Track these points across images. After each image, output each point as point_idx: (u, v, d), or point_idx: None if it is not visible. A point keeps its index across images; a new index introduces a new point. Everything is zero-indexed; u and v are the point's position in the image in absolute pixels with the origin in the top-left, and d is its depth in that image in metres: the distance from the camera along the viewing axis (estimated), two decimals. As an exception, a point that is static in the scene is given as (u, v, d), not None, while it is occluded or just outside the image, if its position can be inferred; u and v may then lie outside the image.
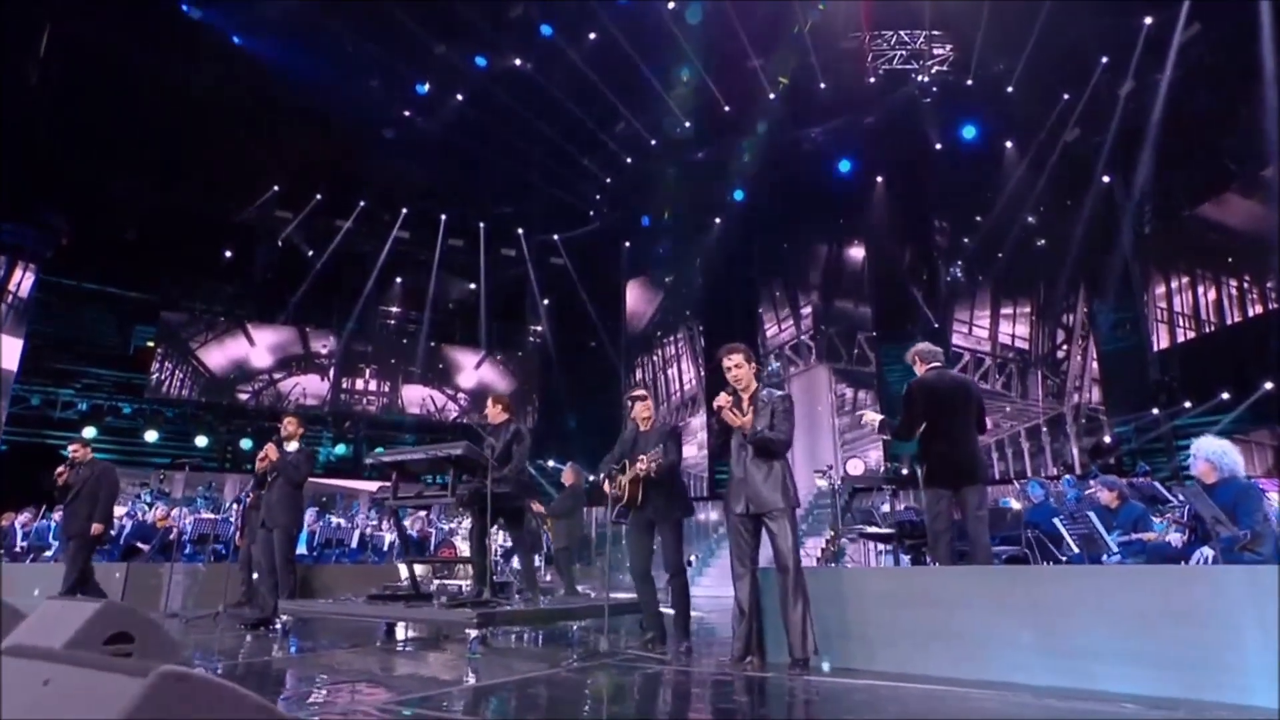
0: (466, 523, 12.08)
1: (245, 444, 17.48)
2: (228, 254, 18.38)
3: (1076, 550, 6.34)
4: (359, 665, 4.59)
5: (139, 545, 10.11)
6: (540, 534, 10.34)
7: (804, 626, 3.98)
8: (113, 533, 9.57)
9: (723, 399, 4.43)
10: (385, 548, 12.94)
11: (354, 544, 12.04)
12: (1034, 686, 3.44)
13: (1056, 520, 6.54)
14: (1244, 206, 12.65)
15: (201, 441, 17.02)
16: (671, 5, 14.44)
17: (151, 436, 16.61)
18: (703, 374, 20.43)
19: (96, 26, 15.00)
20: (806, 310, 19.19)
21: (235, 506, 10.80)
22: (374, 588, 9.40)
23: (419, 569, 11.56)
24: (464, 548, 11.15)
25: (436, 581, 8.13)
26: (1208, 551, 5.48)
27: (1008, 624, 3.68)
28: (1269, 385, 12.41)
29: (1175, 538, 6.29)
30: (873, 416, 5.28)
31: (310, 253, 18.83)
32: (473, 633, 4.56)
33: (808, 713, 3.17)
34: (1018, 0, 13.47)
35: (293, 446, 6.99)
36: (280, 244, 18.72)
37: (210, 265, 18.19)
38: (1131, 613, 3.37)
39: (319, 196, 18.75)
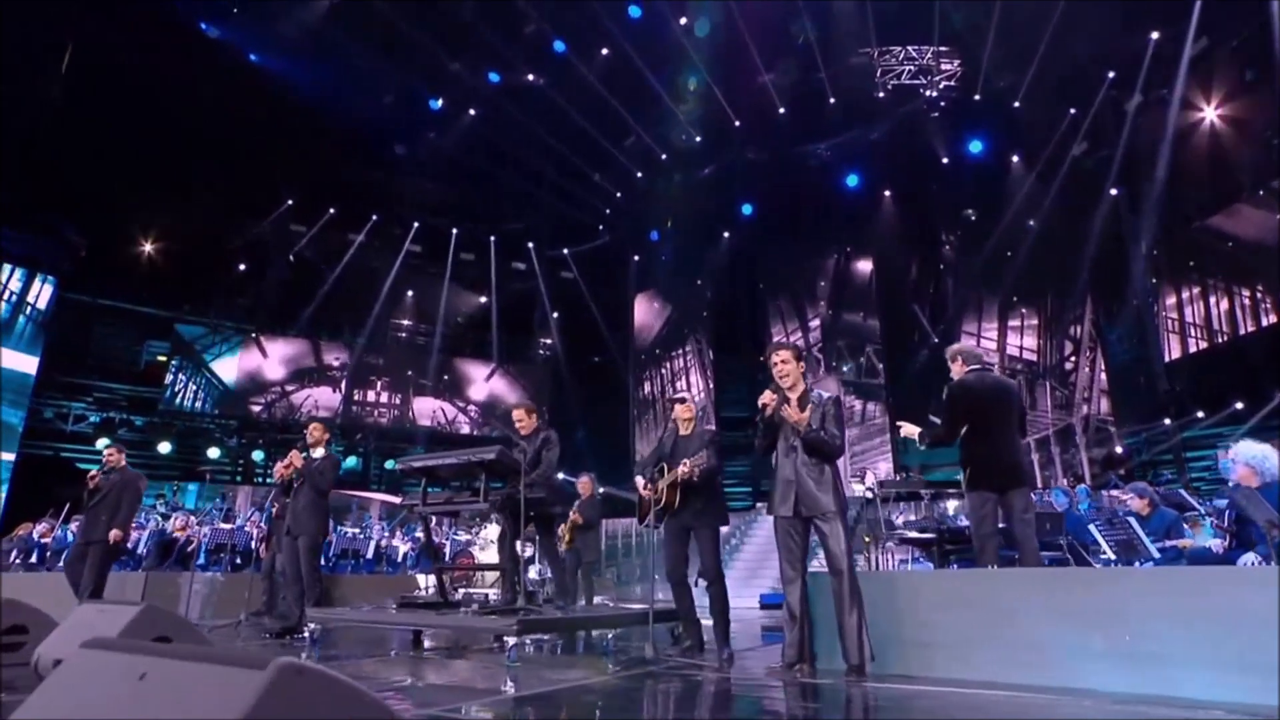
0: (484, 532, 11.90)
1: (257, 455, 17.32)
2: (241, 267, 18.28)
3: (1113, 556, 6.16)
4: (396, 674, 4.41)
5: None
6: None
7: (860, 632, 3.80)
8: (129, 545, 9.40)
9: (767, 396, 4.28)
10: (399, 559, 12.74)
11: (369, 555, 11.83)
12: (1108, 692, 3.26)
13: (1092, 526, 6.36)
14: (1255, 216, 12.56)
15: (214, 453, 16.83)
16: (683, 21, 14.44)
17: (164, 448, 16.42)
18: (711, 386, 20.30)
19: (117, 46, 15.03)
20: (815, 322, 19.07)
21: (256, 515, 10.65)
22: (390, 597, 9.20)
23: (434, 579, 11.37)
24: (482, 557, 10.95)
25: (461, 590, 7.93)
26: (1252, 556, 5.32)
27: (1074, 627, 3.51)
28: (1283, 394, 12.27)
29: (1215, 543, 6.12)
30: (911, 429, 5.12)
31: (323, 266, 18.74)
32: (511, 640, 4.37)
33: (881, 717, 2.98)
34: (1024, 18, 13.49)
35: (319, 453, 6.81)
36: (293, 258, 18.63)
37: (225, 278, 18.08)
38: (1206, 615, 3.21)
39: (332, 210, 18.68)
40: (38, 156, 14.23)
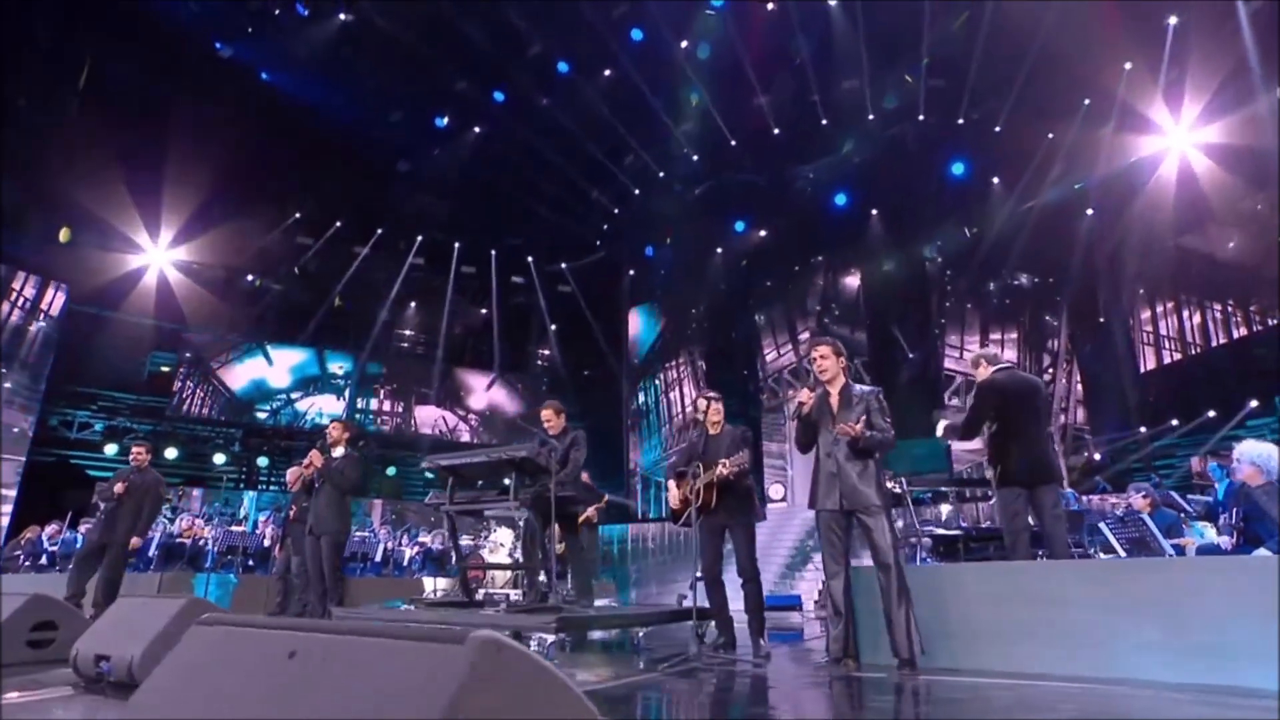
0: (493, 536, 11.58)
1: (262, 462, 16.89)
2: (249, 277, 17.92)
3: (1123, 554, 6.04)
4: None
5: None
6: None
7: (909, 625, 3.63)
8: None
9: (805, 395, 4.13)
10: (405, 562, 12.41)
11: (378, 558, 11.50)
12: (1165, 683, 3.11)
13: (1102, 524, 6.24)
14: (1225, 234, 12.68)
15: (219, 459, 16.38)
16: (684, 44, 14.40)
17: (171, 454, 15.95)
18: (703, 397, 20.12)
19: (134, 62, 14.77)
20: (804, 336, 18.97)
21: (269, 517, 10.33)
22: (401, 599, 8.86)
23: (442, 582, 11.04)
24: (490, 560, 10.64)
25: (482, 591, 7.65)
26: (1264, 553, 5.21)
27: (1126, 618, 3.35)
28: (1254, 403, 12.33)
29: (1224, 540, 6.02)
30: (943, 422, 4.99)
31: (329, 277, 18.44)
32: (549, 638, 4.16)
33: (969, 713, 2.79)
34: (1005, 47, 13.56)
35: (339, 452, 6.55)
36: (299, 269, 18.31)
37: (233, 289, 17.72)
38: (1262, 605, 3.06)
39: (339, 224, 18.39)
40: (54, 166, 13.90)
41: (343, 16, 14.74)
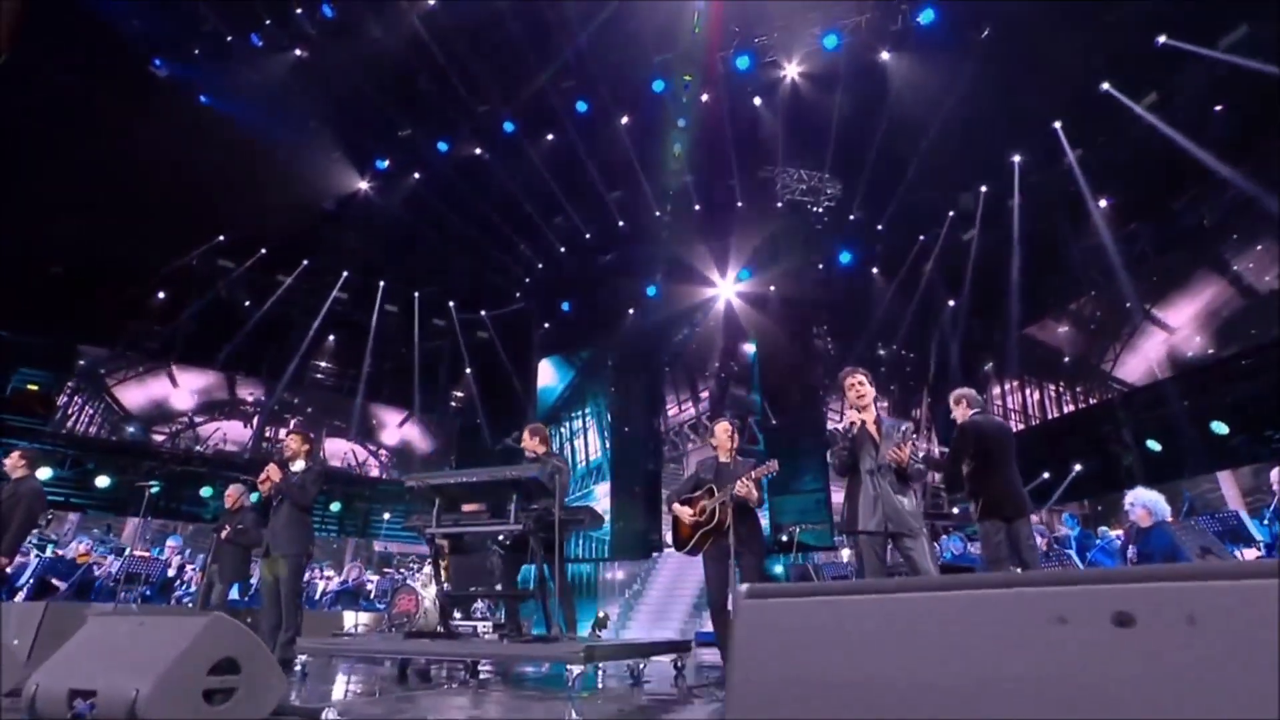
0: (426, 570, 10.37)
1: (153, 487, 14.48)
2: (160, 295, 15.75)
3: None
4: (458, 710, 3.43)
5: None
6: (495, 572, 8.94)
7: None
8: (9, 570, 7.27)
9: (854, 416, 3.91)
10: (317, 596, 10.88)
11: (292, 590, 9.95)
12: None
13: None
14: (1057, 330, 14.12)
15: (103, 482, 13.89)
16: (625, 120, 14.55)
17: (44, 474, 13.31)
18: (609, 446, 19.70)
19: (57, 61, 12.90)
20: (704, 394, 19.16)
21: (177, 542, 8.68)
22: (320, 635, 7.66)
23: (364, 617, 9.70)
24: (425, 594, 9.48)
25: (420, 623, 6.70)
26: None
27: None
28: (1079, 467, 13.56)
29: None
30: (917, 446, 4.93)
31: (247, 303, 16.55)
32: (576, 669, 3.56)
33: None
34: (891, 159, 14.71)
35: (298, 466, 5.59)
36: (217, 292, 16.34)
37: (142, 306, 15.47)
38: None
39: (263, 251, 16.70)
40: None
41: (298, 52, 13.73)
